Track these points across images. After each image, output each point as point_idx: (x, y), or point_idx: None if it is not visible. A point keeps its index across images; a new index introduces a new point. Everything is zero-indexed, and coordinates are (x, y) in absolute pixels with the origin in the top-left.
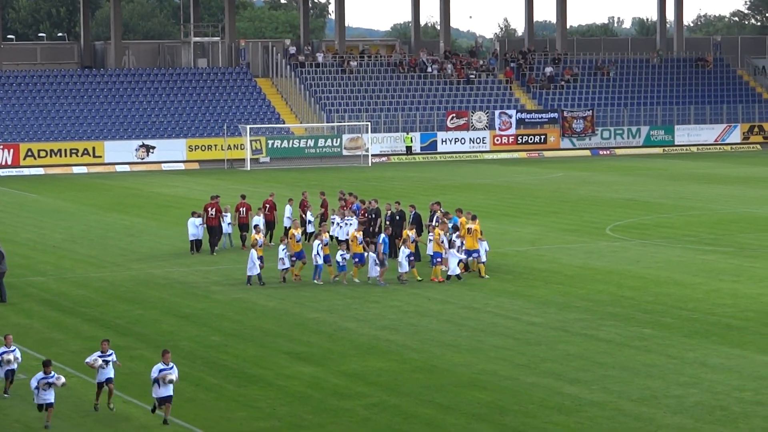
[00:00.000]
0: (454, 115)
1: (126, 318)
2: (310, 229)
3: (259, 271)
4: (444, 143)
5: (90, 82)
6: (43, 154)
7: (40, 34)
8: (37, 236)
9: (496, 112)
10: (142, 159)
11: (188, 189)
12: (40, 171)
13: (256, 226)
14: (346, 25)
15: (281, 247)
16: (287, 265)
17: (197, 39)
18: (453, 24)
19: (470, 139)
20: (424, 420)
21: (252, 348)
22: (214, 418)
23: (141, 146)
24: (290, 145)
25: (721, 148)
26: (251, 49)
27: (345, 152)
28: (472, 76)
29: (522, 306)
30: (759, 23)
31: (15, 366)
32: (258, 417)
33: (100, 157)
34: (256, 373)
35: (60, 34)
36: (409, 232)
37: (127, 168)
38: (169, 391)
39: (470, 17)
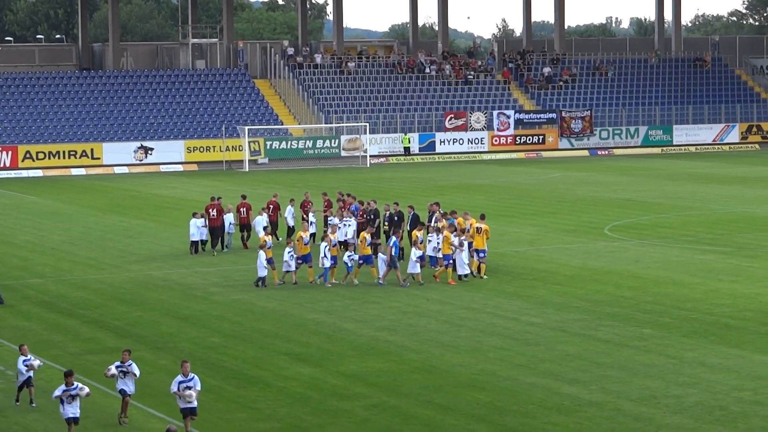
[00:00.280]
0: (452, 115)
1: (125, 320)
2: (312, 229)
3: (266, 273)
4: (442, 144)
5: (88, 83)
6: (41, 155)
7: (38, 36)
8: (35, 238)
9: (495, 113)
10: (141, 160)
11: (187, 190)
12: (39, 173)
13: (265, 228)
14: (344, 26)
15: (287, 249)
16: (293, 267)
17: (195, 40)
18: (451, 24)
19: (468, 139)
20: (423, 420)
21: (251, 349)
22: (214, 420)
23: (139, 148)
24: (288, 146)
25: (720, 147)
26: (249, 50)
27: (343, 153)
28: (470, 77)
29: (521, 306)
30: (757, 23)
31: (31, 373)
32: (257, 418)
33: (99, 158)
34: (256, 374)
35: (58, 36)
36: (418, 233)
37: (125, 170)
38: (192, 403)
39: (468, 18)
